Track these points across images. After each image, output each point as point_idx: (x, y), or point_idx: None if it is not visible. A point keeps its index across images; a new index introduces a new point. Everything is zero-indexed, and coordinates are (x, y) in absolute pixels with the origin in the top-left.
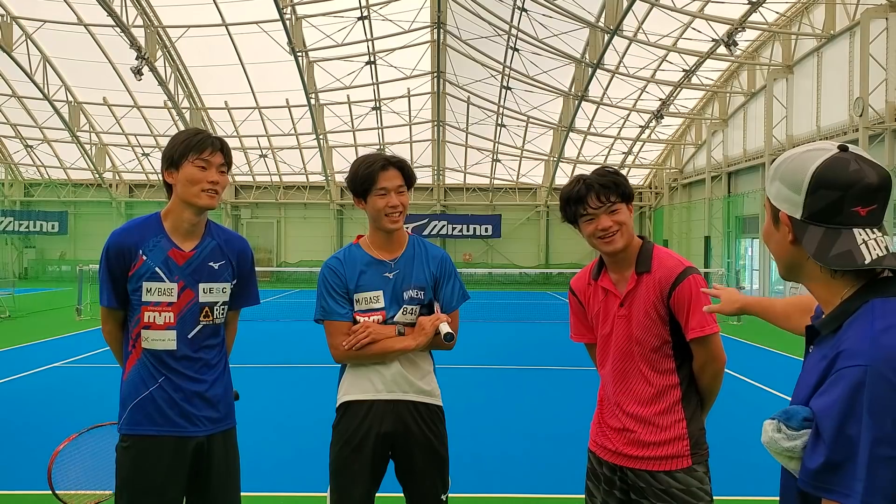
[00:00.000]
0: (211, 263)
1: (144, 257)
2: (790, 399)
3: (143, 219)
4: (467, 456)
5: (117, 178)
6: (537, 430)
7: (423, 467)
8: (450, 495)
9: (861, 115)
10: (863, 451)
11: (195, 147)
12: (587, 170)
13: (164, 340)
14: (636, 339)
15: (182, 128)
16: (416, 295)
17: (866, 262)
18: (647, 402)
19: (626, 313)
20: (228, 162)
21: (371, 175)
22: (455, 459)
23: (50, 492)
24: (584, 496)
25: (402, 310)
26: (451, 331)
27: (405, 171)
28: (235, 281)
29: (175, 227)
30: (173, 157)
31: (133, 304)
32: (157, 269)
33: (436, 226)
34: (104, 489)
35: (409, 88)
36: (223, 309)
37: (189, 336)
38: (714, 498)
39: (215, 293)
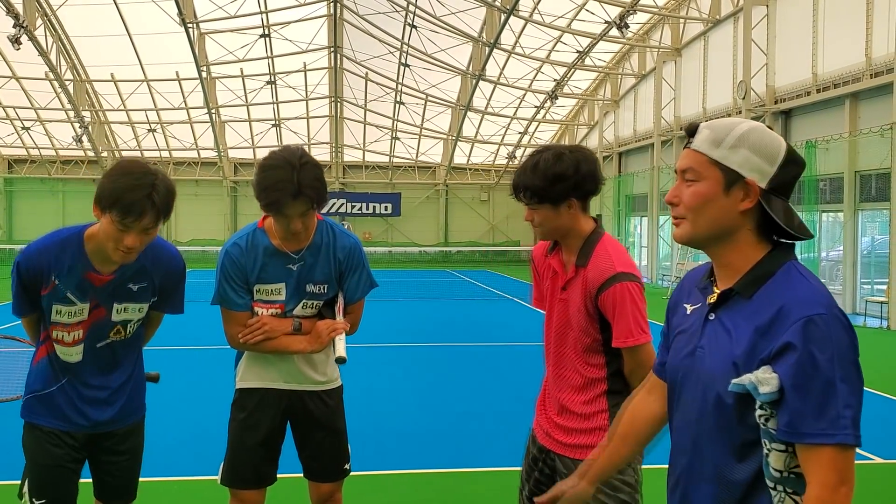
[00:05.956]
0: (130, 286)
1: (56, 282)
2: (701, 360)
3: (64, 236)
4: (367, 434)
5: None
6: (438, 406)
7: (322, 440)
8: (352, 473)
9: (744, 98)
10: (840, 388)
11: (120, 209)
12: (485, 150)
13: (72, 355)
14: (571, 326)
15: (65, 102)
16: (319, 290)
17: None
18: (576, 389)
19: (565, 298)
20: (166, 212)
21: (277, 204)
22: (356, 437)
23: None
24: (484, 469)
25: (302, 304)
26: (343, 354)
27: (317, 197)
28: (155, 298)
29: (97, 252)
30: (101, 199)
31: (44, 315)
32: (68, 293)
33: (334, 204)
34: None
35: (305, 63)
36: (137, 324)
37: (98, 346)
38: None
39: (130, 312)
